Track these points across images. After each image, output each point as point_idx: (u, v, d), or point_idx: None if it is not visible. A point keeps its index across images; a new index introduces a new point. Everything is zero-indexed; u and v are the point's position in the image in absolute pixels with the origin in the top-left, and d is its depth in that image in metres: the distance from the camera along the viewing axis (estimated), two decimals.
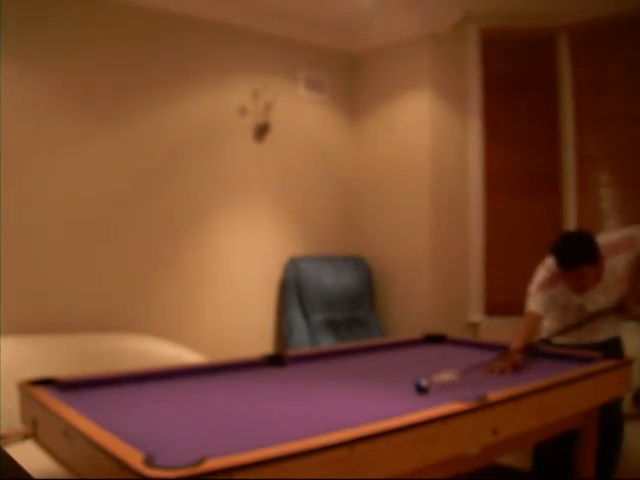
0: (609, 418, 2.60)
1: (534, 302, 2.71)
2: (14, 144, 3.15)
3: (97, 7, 3.43)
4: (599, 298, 2.73)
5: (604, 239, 2.71)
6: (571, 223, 4.10)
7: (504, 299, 4.24)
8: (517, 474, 3.23)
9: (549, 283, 2.72)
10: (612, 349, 2.70)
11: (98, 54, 3.43)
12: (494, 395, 1.82)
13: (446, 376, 2.03)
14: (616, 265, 2.71)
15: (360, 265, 4.38)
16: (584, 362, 2.40)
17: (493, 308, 4.26)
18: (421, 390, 1.92)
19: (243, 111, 3.98)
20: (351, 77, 4.61)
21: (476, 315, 4.26)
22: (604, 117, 3.99)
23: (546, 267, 2.77)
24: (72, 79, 3.35)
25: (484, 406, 1.74)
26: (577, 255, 2.55)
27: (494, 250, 4.27)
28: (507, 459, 3.25)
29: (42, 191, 3.26)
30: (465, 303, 4.27)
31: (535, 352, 2.60)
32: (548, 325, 2.88)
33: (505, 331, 3.82)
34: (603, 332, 2.81)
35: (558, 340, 2.77)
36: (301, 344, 3.90)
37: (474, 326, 4.24)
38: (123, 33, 3.53)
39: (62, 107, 3.32)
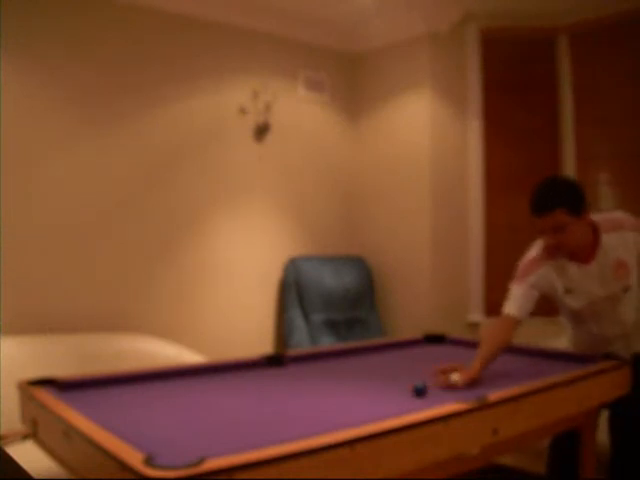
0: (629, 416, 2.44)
1: (510, 300, 2.31)
2: (14, 144, 3.15)
3: (97, 7, 3.43)
4: (592, 285, 2.31)
5: (603, 215, 2.36)
6: None
7: (504, 299, 4.23)
8: (517, 474, 3.23)
9: (532, 265, 2.33)
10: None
11: (99, 54, 3.43)
12: (494, 395, 1.82)
13: (456, 377, 2.02)
14: (616, 244, 2.27)
15: (360, 265, 4.38)
16: (584, 362, 2.40)
17: (493, 308, 4.24)
18: (420, 393, 1.91)
19: (243, 111, 3.98)
20: (351, 77, 4.61)
21: (476, 315, 4.25)
22: (604, 117, 3.98)
23: (531, 250, 2.41)
24: (73, 79, 3.35)
25: (484, 406, 1.74)
26: (551, 196, 2.17)
27: (494, 250, 4.27)
28: (507, 459, 3.25)
29: (42, 191, 3.26)
30: (465, 303, 4.27)
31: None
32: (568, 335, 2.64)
33: None
34: (621, 349, 2.47)
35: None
36: (301, 344, 3.90)
37: (474, 326, 4.23)
38: (124, 33, 3.53)
39: (62, 106, 3.32)
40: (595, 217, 2.30)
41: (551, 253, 2.31)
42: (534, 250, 2.39)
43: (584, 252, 2.29)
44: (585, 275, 2.31)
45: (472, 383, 2.02)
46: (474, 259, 4.27)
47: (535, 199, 2.22)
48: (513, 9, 4.09)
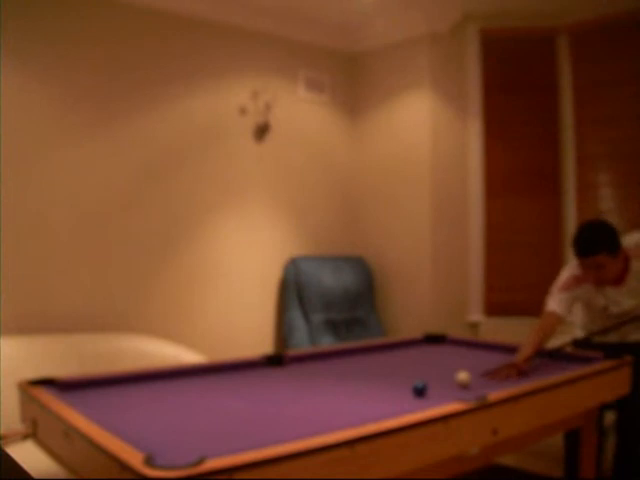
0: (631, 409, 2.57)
1: (554, 301, 2.63)
2: (14, 143, 3.15)
3: (97, 7, 3.43)
4: (623, 300, 2.67)
5: (630, 240, 2.67)
6: (571, 223, 4.10)
7: (504, 299, 4.24)
8: (517, 474, 3.23)
9: (573, 282, 2.66)
10: None
11: (99, 53, 3.43)
12: (494, 395, 1.82)
13: (464, 376, 2.03)
14: None
15: (360, 265, 4.38)
16: (584, 362, 2.40)
17: (493, 308, 4.26)
18: (420, 393, 1.91)
19: (243, 111, 3.98)
20: (351, 77, 4.61)
21: (476, 315, 4.26)
22: (604, 117, 3.99)
23: (570, 266, 2.72)
24: (72, 78, 3.34)
25: (484, 406, 1.74)
26: (593, 242, 2.51)
27: (494, 250, 4.27)
28: (507, 459, 3.25)
29: (42, 191, 3.26)
30: (465, 303, 4.27)
31: (555, 354, 2.57)
32: (579, 321, 2.88)
33: (505, 331, 3.83)
34: (634, 333, 2.74)
35: (595, 339, 2.74)
36: (301, 344, 3.90)
37: (474, 326, 4.24)
38: (123, 33, 3.53)
39: (63, 106, 3.32)
40: (624, 243, 2.61)
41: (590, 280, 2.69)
42: (574, 269, 2.70)
43: (617, 277, 2.65)
44: (618, 294, 2.68)
45: (528, 363, 2.34)
46: (474, 259, 4.27)
47: (579, 243, 2.56)
48: (513, 9, 4.09)
